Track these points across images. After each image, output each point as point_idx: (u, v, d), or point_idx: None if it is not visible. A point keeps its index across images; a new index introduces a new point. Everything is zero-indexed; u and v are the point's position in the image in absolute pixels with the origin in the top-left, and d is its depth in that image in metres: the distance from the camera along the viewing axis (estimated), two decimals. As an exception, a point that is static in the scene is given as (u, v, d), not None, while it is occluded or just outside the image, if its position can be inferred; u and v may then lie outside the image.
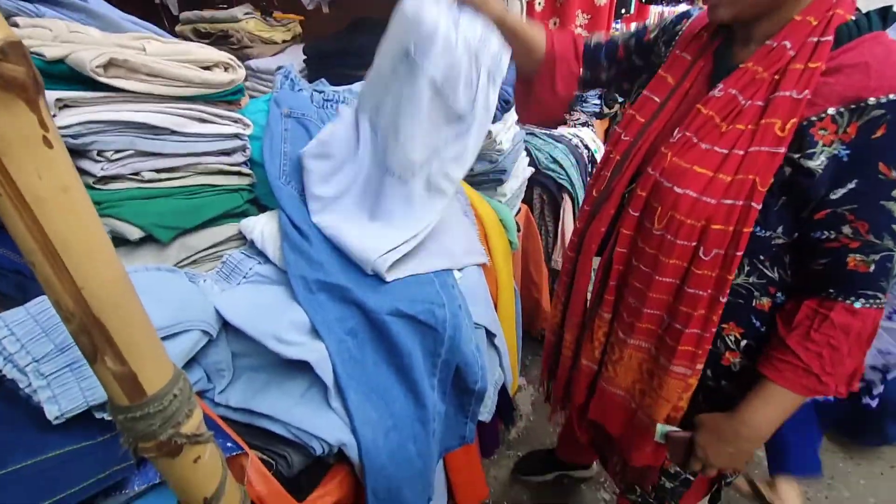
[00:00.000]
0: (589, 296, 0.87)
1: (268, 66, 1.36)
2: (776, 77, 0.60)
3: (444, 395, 0.83)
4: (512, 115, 1.34)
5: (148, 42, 0.63)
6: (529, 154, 1.61)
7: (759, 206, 0.60)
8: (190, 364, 0.60)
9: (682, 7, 2.34)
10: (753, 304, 0.69)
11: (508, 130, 1.28)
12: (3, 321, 0.46)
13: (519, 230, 1.45)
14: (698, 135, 0.65)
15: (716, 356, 0.73)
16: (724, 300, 0.66)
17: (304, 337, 0.65)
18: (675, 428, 0.78)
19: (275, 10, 1.54)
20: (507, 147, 1.24)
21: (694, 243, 0.65)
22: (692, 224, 0.64)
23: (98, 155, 0.59)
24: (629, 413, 0.85)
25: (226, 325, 0.65)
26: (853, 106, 0.55)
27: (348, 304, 0.72)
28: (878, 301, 0.61)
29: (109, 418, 0.49)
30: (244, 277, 0.75)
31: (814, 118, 0.57)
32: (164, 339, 0.54)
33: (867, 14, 0.58)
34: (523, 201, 1.55)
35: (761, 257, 0.66)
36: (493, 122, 1.19)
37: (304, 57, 1.33)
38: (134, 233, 0.62)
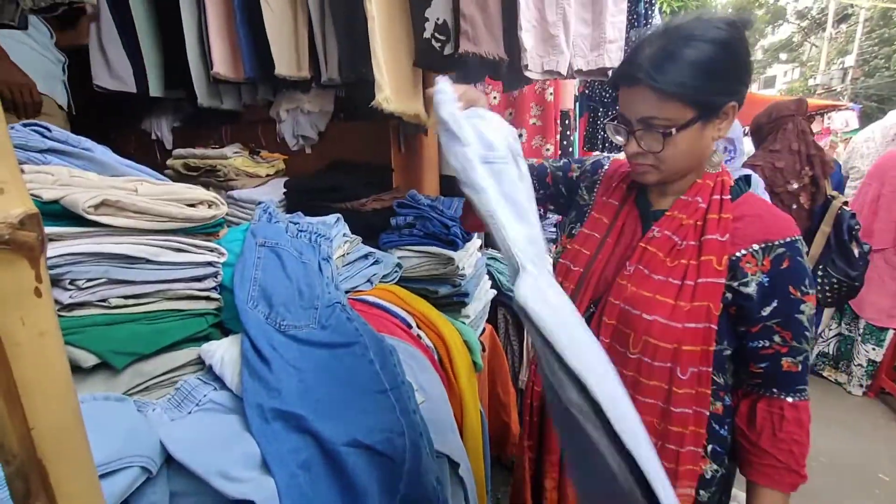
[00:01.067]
0: None
1: (250, 197, 1.47)
2: (699, 224, 0.77)
3: (403, 538, 0.76)
4: (474, 244, 1.47)
5: (140, 184, 0.71)
6: (492, 277, 1.72)
7: (716, 328, 0.73)
8: (121, 508, 0.55)
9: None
10: (711, 409, 0.78)
11: (471, 257, 1.39)
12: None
13: (484, 350, 1.48)
14: (649, 268, 0.77)
15: None
16: (707, 414, 0.75)
17: (252, 472, 0.62)
18: None
19: (262, 149, 1.72)
20: (469, 272, 1.34)
21: (669, 364, 0.74)
22: (666, 347, 0.74)
23: (70, 284, 0.61)
24: None
25: (168, 460, 0.61)
26: (764, 245, 0.73)
27: (303, 434, 0.70)
28: (806, 393, 0.77)
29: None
30: (197, 405, 0.72)
31: (738, 254, 0.74)
32: (100, 477, 0.51)
33: (738, 180, 0.81)
34: (488, 321, 1.60)
35: (713, 368, 0.76)
36: (455, 250, 1.30)
37: (284, 190, 1.47)
38: (89, 360, 0.62)
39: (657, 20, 2.53)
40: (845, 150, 3.28)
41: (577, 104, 2.48)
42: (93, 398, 0.59)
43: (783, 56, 23.30)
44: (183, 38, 1.58)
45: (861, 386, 2.73)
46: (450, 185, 1.88)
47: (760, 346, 0.76)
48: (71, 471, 0.32)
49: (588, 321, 0.81)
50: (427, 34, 1.16)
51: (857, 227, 2.03)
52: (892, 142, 2.93)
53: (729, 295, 0.74)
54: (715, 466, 0.80)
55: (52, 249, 0.58)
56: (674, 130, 0.71)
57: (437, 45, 1.16)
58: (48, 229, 0.59)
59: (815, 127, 7.76)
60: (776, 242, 0.72)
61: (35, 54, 1.43)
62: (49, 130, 0.70)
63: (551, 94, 1.88)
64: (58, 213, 0.59)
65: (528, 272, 0.56)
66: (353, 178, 1.43)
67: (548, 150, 2.03)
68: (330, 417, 0.74)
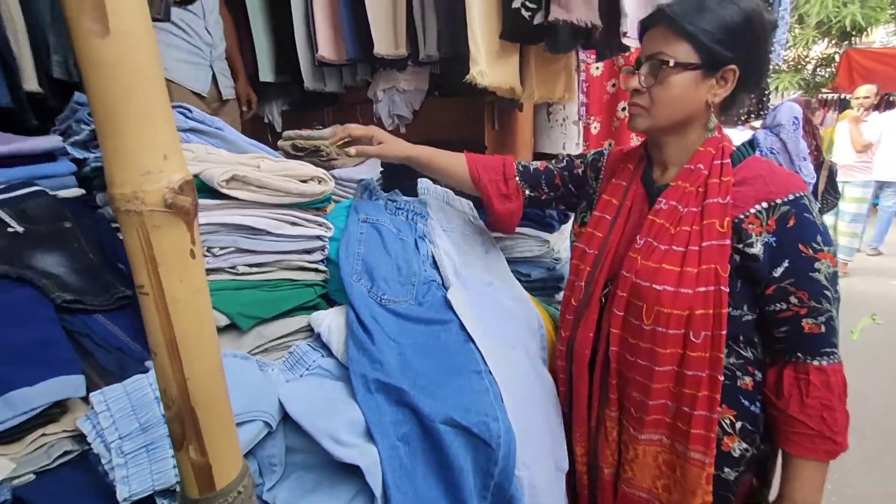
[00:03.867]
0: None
1: (349, 176, 1.53)
2: (700, 190, 0.77)
3: (494, 522, 0.76)
4: (568, 226, 1.39)
5: (262, 160, 0.76)
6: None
7: (727, 290, 0.73)
8: (245, 455, 0.61)
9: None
10: (738, 384, 0.79)
11: (566, 240, 1.32)
12: (104, 396, 0.50)
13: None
14: (657, 239, 0.79)
15: (716, 443, 0.78)
16: (721, 379, 0.74)
17: (358, 439, 0.64)
18: None
19: (361, 129, 1.78)
20: (564, 256, 1.27)
21: (683, 331, 0.75)
22: (679, 314, 0.74)
23: (207, 251, 0.68)
24: None
25: (284, 418, 0.66)
26: (766, 205, 0.74)
27: (403, 408, 0.72)
28: (836, 356, 0.75)
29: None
30: (307, 369, 0.78)
31: (741, 216, 0.75)
32: (230, 427, 0.56)
33: (741, 145, 0.82)
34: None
35: (739, 338, 0.78)
36: (551, 231, 1.24)
37: (381, 169, 1.51)
38: (221, 320, 0.68)
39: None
40: None
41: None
42: (224, 355, 0.65)
43: None
44: (291, 25, 1.68)
45: None
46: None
47: (778, 308, 0.75)
48: (216, 419, 0.34)
49: (606, 299, 0.84)
50: (517, 4, 1.09)
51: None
52: None
53: (737, 257, 0.75)
54: (745, 445, 0.79)
55: (193, 219, 0.65)
56: (671, 62, 0.74)
57: (526, 13, 1.09)
58: (190, 201, 0.65)
59: None
60: (779, 201, 0.73)
61: (181, 41, 1.55)
62: (190, 111, 0.78)
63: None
64: (197, 185, 0.66)
65: None
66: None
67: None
68: (428, 394, 0.75)
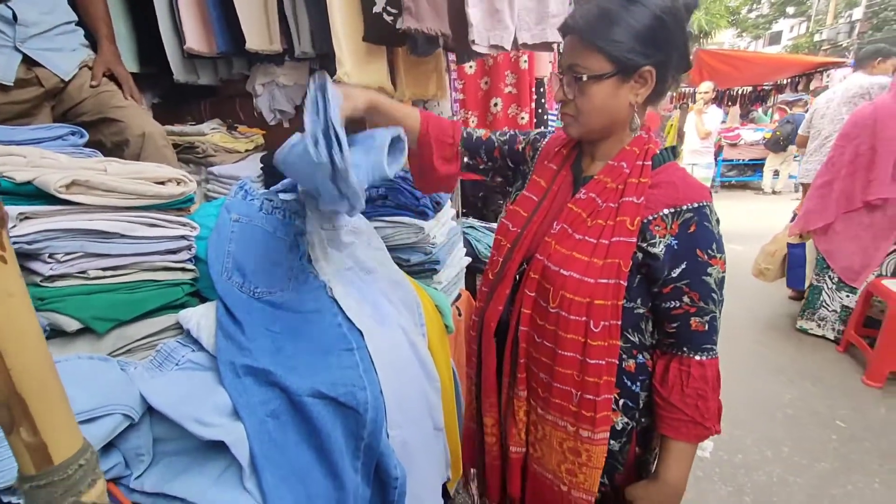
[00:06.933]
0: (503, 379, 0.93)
1: (229, 172, 1.52)
2: (620, 187, 0.81)
3: (367, 480, 0.86)
4: (447, 212, 1.53)
5: (109, 164, 0.76)
6: (470, 245, 1.78)
7: (625, 284, 0.78)
8: (108, 449, 0.64)
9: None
10: (623, 366, 0.84)
11: (443, 226, 1.45)
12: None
13: (460, 314, 1.56)
14: (572, 227, 0.83)
15: None
16: (616, 363, 0.80)
17: (224, 419, 0.70)
18: None
19: (241, 123, 1.75)
20: (440, 241, 1.40)
21: (583, 318, 0.79)
22: (580, 301, 0.78)
23: (49, 257, 0.68)
24: (563, 497, 0.88)
25: (151, 411, 0.70)
26: (673, 210, 0.78)
27: (271, 387, 0.78)
28: (714, 352, 0.83)
29: (16, 501, 0.52)
30: (176, 365, 0.80)
31: (650, 217, 0.79)
32: (85, 422, 0.59)
33: (664, 150, 0.85)
34: (466, 288, 1.68)
35: (628, 327, 0.83)
36: (426, 219, 1.36)
37: (262, 165, 1.51)
38: (72, 325, 0.69)
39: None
40: (808, 111, 3.33)
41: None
42: (77, 357, 0.66)
43: (790, 10, 22.47)
44: (153, 13, 1.58)
45: (833, 330, 2.86)
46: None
47: (672, 306, 0.81)
48: (47, 404, 0.39)
49: (520, 278, 0.88)
50: (378, 8, 1.17)
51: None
52: (850, 102, 2.94)
53: (639, 255, 0.79)
54: (626, 419, 0.86)
55: (29, 226, 0.64)
56: (585, 77, 0.76)
57: (388, 18, 1.18)
58: (24, 208, 0.65)
59: (813, 84, 7.67)
60: (684, 208, 0.77)
61: None
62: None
63: (525, 61, 1.89)
64: (32, 192, 0.65)
65: None
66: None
67: (523, 118, 2.05)
68: (297, 373, 0.82)
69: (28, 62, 1.23)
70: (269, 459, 0.72)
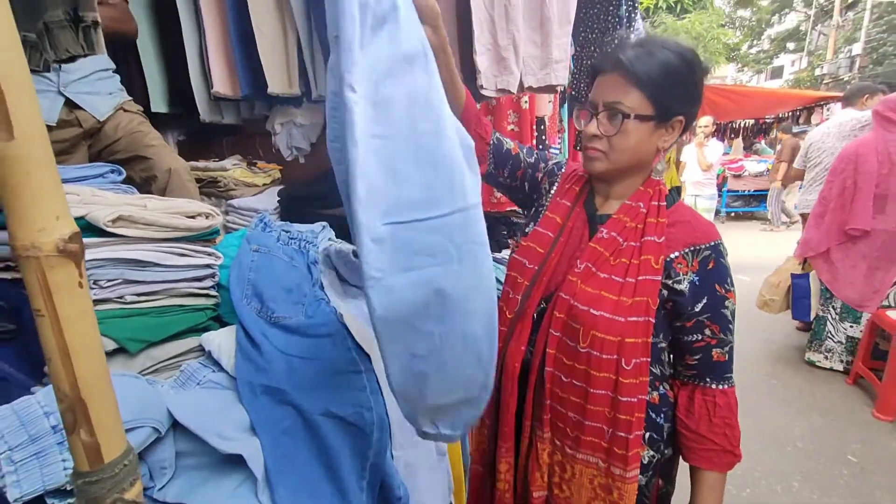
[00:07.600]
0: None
1: (248, 205, 1.62)
2: (640, 226, 0.85)
3: (372, 499, 0.90)
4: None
5: (149, 200, 0.85)
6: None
7: (654, 321, 0.81)
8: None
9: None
10: (648, 399, 0.85)
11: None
12: (-8, 416, 0.57)
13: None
14: (596, 266, 0.85)
15: None
16: (646, 399, 0.82)
17: (242, 434, 0.76)
18: None
19: (260, 159, 1.87)
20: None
21: (615, 356, 0.80)
22: (611, 340, 0.80)
23: (94, 284, 0.76)
24: None
25: (175, 426, 0.76)
26: (692, 248, 0.84)
27: (286, 406, 0.84)
28: (732, 381, 0.87)
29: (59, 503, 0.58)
30: (198, 384, 0.87)
31: (672, 255, 0.84)
32: (119, 433, 0.65)
33: (671, 190, 0.91)
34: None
35: (651, 360, 0.84)
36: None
37: (278, 198, 1.62)
38: (109, 345, 0.76)
39: (639, 24, 2.63)
40: (803, 144, 3.42)
41: (566, 106, 2.60)
42: (113, 374, 0.73)
43: (790, 45, 23.08)
44: (184, 58, 1.73)
45: (842, 362, 2.83)
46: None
47: (694, 339, 0.84)
48: (103, 409, 0.46)
49: (539, 316, 0.88)
50: None
51: None
52: (847, 137, 3.03)
53: (665, 292, 0.83)
54: (651, 452, 0.87)
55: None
56: (632, 116, 0.79)
57: None
58: (76, 240, 0.73)
59: (815, 118, 7.81)
60: (703, 246, 0.83)
61: None
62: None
63: (526, 102, 2.01)
64: (83, 226, 0.74)
65: None
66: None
67: (525, 154, 2.14)
68: (309, 393, 0.88)
69: (69, 105, 1.36)
70: (283, 474, 0.77)
